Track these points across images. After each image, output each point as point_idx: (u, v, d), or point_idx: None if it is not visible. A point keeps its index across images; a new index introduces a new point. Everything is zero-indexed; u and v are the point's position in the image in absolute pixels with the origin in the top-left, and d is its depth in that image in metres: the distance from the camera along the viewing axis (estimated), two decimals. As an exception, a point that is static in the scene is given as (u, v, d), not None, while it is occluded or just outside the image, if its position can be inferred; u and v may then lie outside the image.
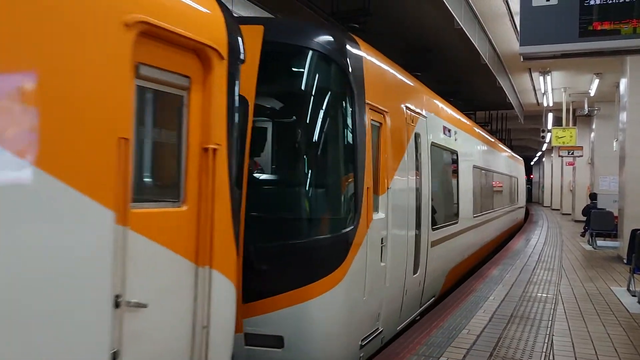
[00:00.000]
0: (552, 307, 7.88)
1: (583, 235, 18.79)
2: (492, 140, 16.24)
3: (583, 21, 4.74)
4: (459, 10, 10.28)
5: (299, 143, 4.87)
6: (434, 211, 7.71)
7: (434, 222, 7.68)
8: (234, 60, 3.47)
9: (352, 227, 4.77)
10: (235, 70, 3.50)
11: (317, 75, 4.87)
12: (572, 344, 6.10)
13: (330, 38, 4.92)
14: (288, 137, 5.03)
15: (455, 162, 9.79)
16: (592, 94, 19.44)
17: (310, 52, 4.81)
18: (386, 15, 10.68)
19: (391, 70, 6.43)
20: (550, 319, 7.19)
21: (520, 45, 5.06)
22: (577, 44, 4.79)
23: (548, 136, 25.11)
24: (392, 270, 5.76)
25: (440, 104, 8.99)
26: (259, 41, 4.70)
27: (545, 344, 6.01)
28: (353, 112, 4.92)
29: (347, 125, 4.92)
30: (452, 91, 15.96)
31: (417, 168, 6.93)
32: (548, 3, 4.87)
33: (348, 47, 5.09)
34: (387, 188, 5.69)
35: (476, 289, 9.08)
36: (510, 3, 11.30)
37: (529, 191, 53.54)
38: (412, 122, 6.76)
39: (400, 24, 11.51)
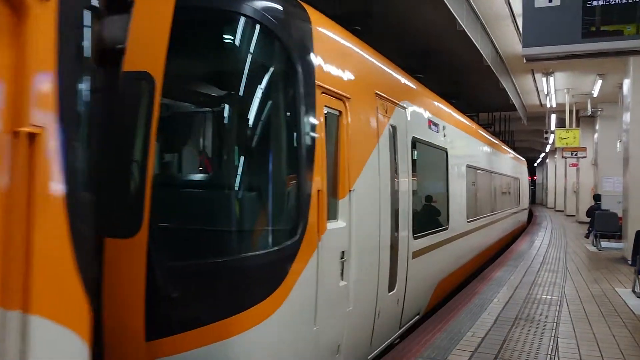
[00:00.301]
0: (557, 309, 7.84)
1: (587, 236, 18.73)
2: (490, 138, 15.21)
3: (586, 22, 4.73)
4: (461, 12, 10.26)
5: (223, 134, 3.89)
6: (416, 217, 6.63)
7: (417, 229, 6.59)
8: (72, 4, 2.39)
9: (295, 239, 3.76)
10: (75, 20, 2.42)
11: (246, 49, 3.86)
12: (578, 346, 6.07)
13: (264, 2, 3.93)
14: (209, 126, 4.07)
15: (445, 160, 8.68)
16: (595, 95, 19.40)
17: (239, 19, 3.80)
18: (388, 18, 10.68)
19: (356, 49, 5.38)
20: (555, 321, 7.16)
21: (523, 46, 5.05)
22: (580, 44, 4.77)
23: (551, 137, 25.07)
24: (357, 290, 4.71)
25: (425, 94, 8.03)
26: (170, 4, 3.80)
27: (551, 346, 5.98)
28: (296, 96, 3.90)
29: (287, 113, 3.93)
30: (454, 93, 15.91)
31: (394, 166, 5.87)
32: (550, 4, 4.86)
33: (290, 13, 4.12)
34: (350, 190, 4.63)
35: (480, 291, 9.05)
36: (512, 4, 11.28)
37: (533, 193, 53.43)
38: (387, 113, 5.71)
39: (402, 26, 11.49)
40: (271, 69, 3.91)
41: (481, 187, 12.51)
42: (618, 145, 16.82)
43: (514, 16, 11.93)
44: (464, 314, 7.43)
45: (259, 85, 3.82)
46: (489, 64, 13.59)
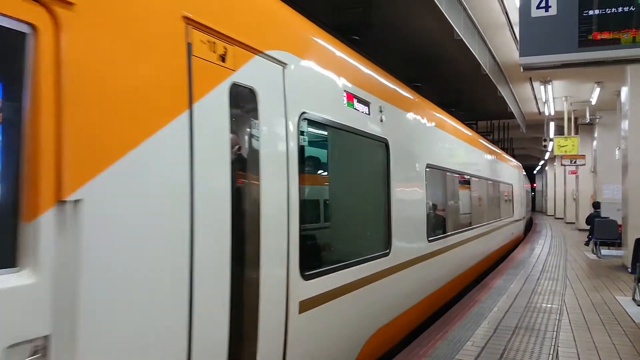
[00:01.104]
0: (557, 318, 7.82)
1: (587, 244, 18.72)
2: (468, 133, 11.96)
3: (582, 31, 4.76)
4: (458, 21, 10.32)
5: None
6: (312, 243, 4.46)
7: (313, 264, 4.28)
8: None
9: None
10: None
11: None
12: (578, 354, 6.05)
13: None
14: None
15: (384, 156, 6.03)
16: (593, 103, 19.45)
17: None
18: (386, 27, 10.73)
19: None
20: (556, 329, 7.14)
21: (520, 55, 5.09)
22: (576, 53, 4.81)
23: (550, 145, 25.11)
24: None
25: (342, 53, 5.26)
26: None
27: (551, 355, 5.96)
28: None
29: None
30: (453, 102, 15.97)
31: (253, 158, 3.63)
32: (547, 13, 4.90)
33: None
34: (62, 200, 2.21)
35: (480, 300, 9.03)
36: (509, 13, 11.35)
37: (532, 200, 53.36)
38: (224, 61, 3.26)
39: (400, 35, 11.55)
40: None
41: (453, 195, 9.70)
42: (617, 153, 16.85)
43: (511, 25, 12.00)
44: (464, 323, 7.40)
45: None
46: (487, 72, 13.65)
